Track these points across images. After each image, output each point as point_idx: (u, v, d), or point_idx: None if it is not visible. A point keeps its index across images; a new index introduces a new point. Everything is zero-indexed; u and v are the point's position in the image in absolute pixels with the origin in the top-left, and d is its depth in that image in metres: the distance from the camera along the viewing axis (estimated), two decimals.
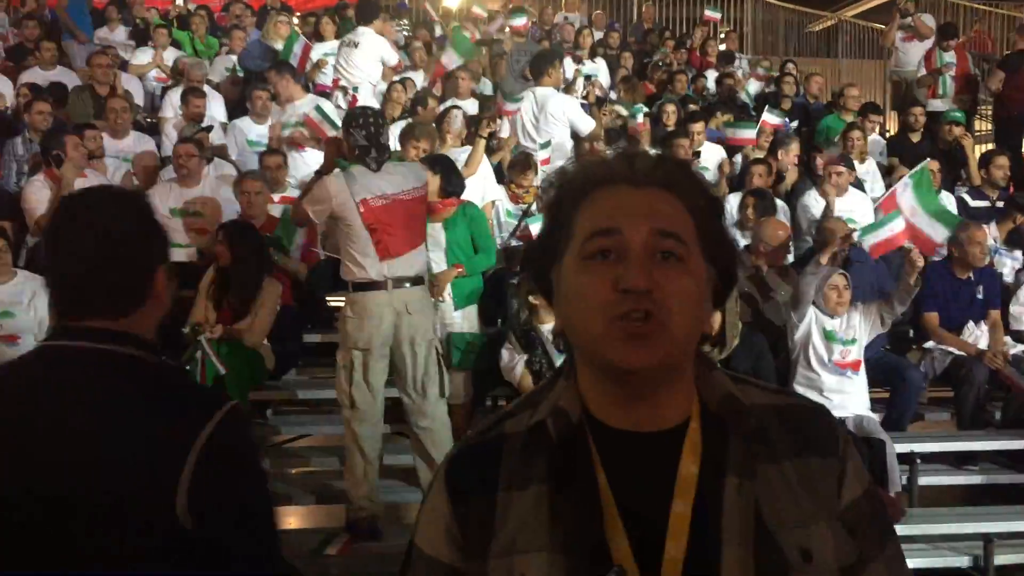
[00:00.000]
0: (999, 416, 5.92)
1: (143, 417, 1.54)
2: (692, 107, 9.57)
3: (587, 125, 7.78)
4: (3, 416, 1.58)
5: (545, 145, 7.28)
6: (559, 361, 5.19)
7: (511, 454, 1.20)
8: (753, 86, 11.27)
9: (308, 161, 7.20)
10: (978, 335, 5.98)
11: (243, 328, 5.20)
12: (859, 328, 5.34)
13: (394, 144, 6.31)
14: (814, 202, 7.09)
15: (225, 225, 5.56)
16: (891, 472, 4.96)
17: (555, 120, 7.56)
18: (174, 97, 8.41)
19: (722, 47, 13.00)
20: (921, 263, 5.34)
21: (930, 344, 6.05)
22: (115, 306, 1.62)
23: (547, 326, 5.14)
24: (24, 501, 1.52)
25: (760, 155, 8.11)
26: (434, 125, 7.17)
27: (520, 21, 11.39)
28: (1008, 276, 6.59)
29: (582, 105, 8.48)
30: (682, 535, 1.12)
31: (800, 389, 5.08)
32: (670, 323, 1.11)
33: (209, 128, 7.73)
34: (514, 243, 6.66)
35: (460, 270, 5.47)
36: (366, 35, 8.97)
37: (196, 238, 6.21)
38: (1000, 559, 4.78)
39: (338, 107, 8.29)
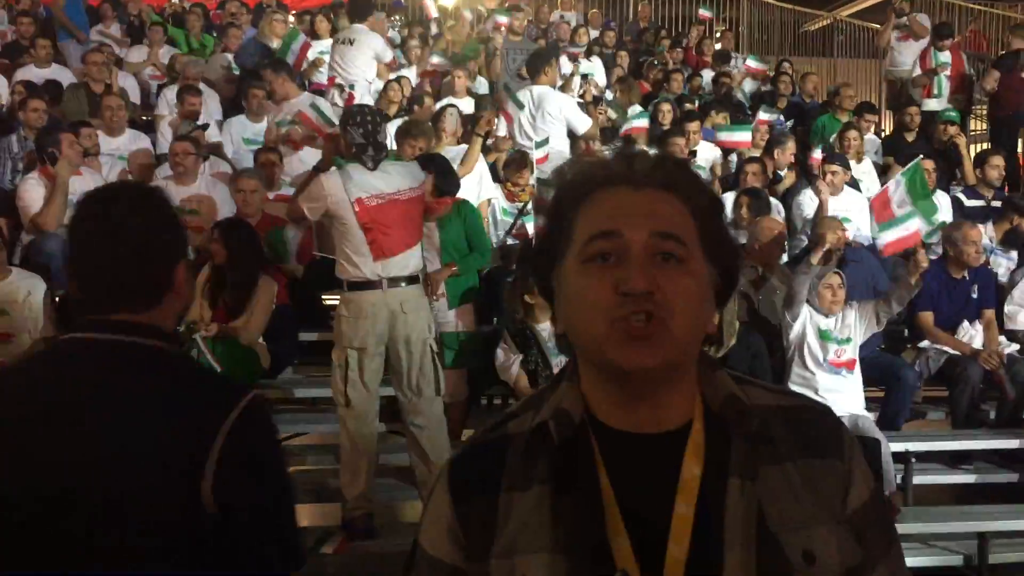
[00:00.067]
0: (993, 415, 5.93)
1: (170, 407, 1.59)
2: (688, 106, 9.58)
3: (584, 124, 7.78)
4: (32, 409, 1.61)
5: (541, 143, 7.28)
6: (555, 360, 5.23)
7: (513, 455, 1.19)
8: (749, 85, 11.28)
9: (304, 160, 7.20)
10: (973, 335, 5.99)
11: (238, 326, 5.19)
12: (854, 327, 5.35)
13: (390, 143, 6.31)
14: (809, 201, 7.10)
15: (220, 223, 5.55)
16: (886, 471, 4.97)
17: (552, 119, 7.57)
18: (169, 95, 8.39)
19: (718, 46, 13.00)
20: (926, 265, 5.35)
21: (925, 343, 6.07)
22: (138, 300, 1.66)
23: (543, 325, 5.14)
24: (55, 494, 1.55)
25: (756, 154, 8.12)
26: (430, 123, 7.17)
27: (503, 19, 11.39)
28: (1003, 276, 6.60)
29: (578, 104, 8.49)
30: (684, 537, 1.12)
31: (795, 388, 5.08)
32: (671, 324, 1.11)
33: (205, 126, 7.72)
34: (510, 242, 6.67)
35: (454, 269, 5.47)
36: (360, 32, 8.97)
37: (192, 236, 6.17)
38: (994, 558, 4.80)
39: (334, 104, 8.28)
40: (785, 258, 6.29)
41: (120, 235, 1.66)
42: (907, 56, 10.92)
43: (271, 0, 12.18)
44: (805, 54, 16.27)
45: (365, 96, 8.70)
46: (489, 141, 7.60)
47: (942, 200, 7.41)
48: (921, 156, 7.00)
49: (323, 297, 6.31)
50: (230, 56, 9.80)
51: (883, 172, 8.35)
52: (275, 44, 9.66)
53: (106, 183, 1.90)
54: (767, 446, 1.17)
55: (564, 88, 8.82)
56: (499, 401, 6.06)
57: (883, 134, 10.22)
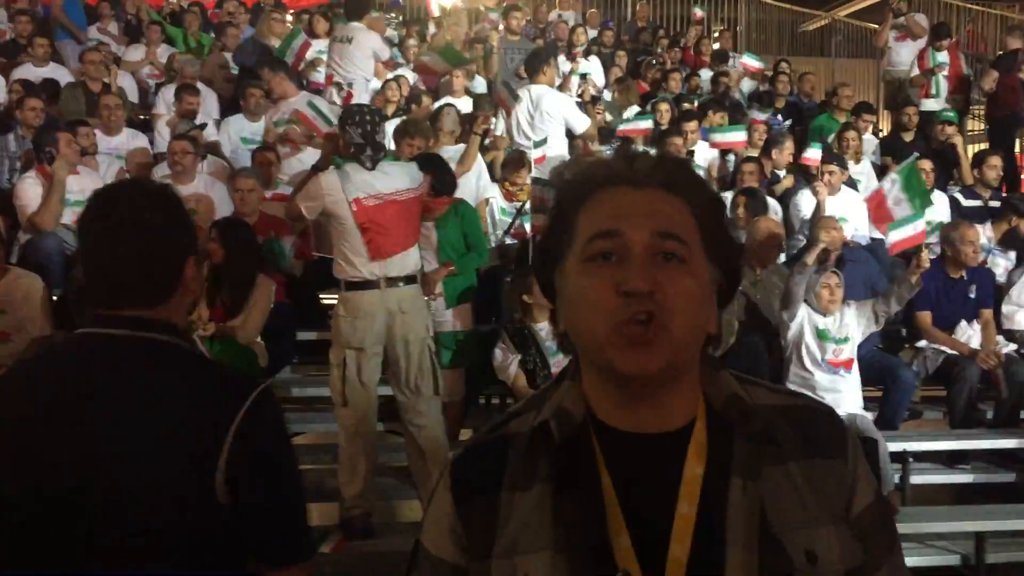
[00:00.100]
0: (991, 415, 5.94)
1: (183, 401, 1.62)
2: (686, 106, 9.59)
3: (582, 123, 7.78)
4: (46, 404, 1.64)
5: (540, 143, 7.28)
6: (553, 360, 5.22)
7: (515, 454, 1.19)
8: (747, 85, 11.28)
9: (302, 159, 7.19)
10: (970, 334, 6.00)
11: (236, 325, 5.18)
12: (852, 326, 5.35)
13: (388, 142, 6.31)
14: (806, 201, 7.11)
15: (218, 222, 5.55)
16: (884, 471, 4.97)
17: (550, 118, 7.57)
18: (167, 94, 8.38)
19: (716, 46, 13.01)
20: (927, 265, 5.37)
21: (922, 343, 6.08)
22: (149, 295, 1.70)
23: (541, 325, 5.14)
24: (70, 488, 1.58)
25: (754, 153, 8.13)
26: (428, 123, 7.17)
27: (495, 16, 11.39)
28: (1002, 277, 6.61)
29: (577, 103, 8.49)
30: (686, 537, 1.12)
31: (793, 388, 5.08)
32: (672, 326, 1.11)
33: (203, 125, 7.71)
34: (508, 241, 6.67)
35: (451, 269, 5.47)
36: (358, 31, 8.94)
37: None
38: (991, 557, 4.80)
39: (332, 103, 8.27)
40: (783, 258, 6.29)
41: (131, 231, 1.68)
42: (905, 56, 10.93)
43: (269, 0, 12.17)
44: (803, 54, 16.28)
45: (363, 94, 8.69)
46: (487, 141, 7.61)
47: (940, 200, 7.42)
48: (916, 155, 7.01)
49: (321, 296, 6.31)
50: (228, 55, 9.79)
51: (881, 172, 8.34)
52: (273, 43, 9.65)
53: (116, 181, 1.93)
54: (770, 446, 1.17)
55: (562, 88, 8.82)
56: (497, 401, 6.06)
57: (880, 134, 10.23)
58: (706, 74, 11.36)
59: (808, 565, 1.12)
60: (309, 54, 9.27)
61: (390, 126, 6.98)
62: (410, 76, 9.74)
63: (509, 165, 6.95)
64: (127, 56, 10.12)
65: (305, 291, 6.17)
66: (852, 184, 7.50)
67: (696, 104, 9.82)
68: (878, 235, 7.20)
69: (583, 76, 10.05)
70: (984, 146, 9.72)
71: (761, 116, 8.83)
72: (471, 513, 1.19)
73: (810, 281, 5.35)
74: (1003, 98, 9.70)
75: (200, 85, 8.47)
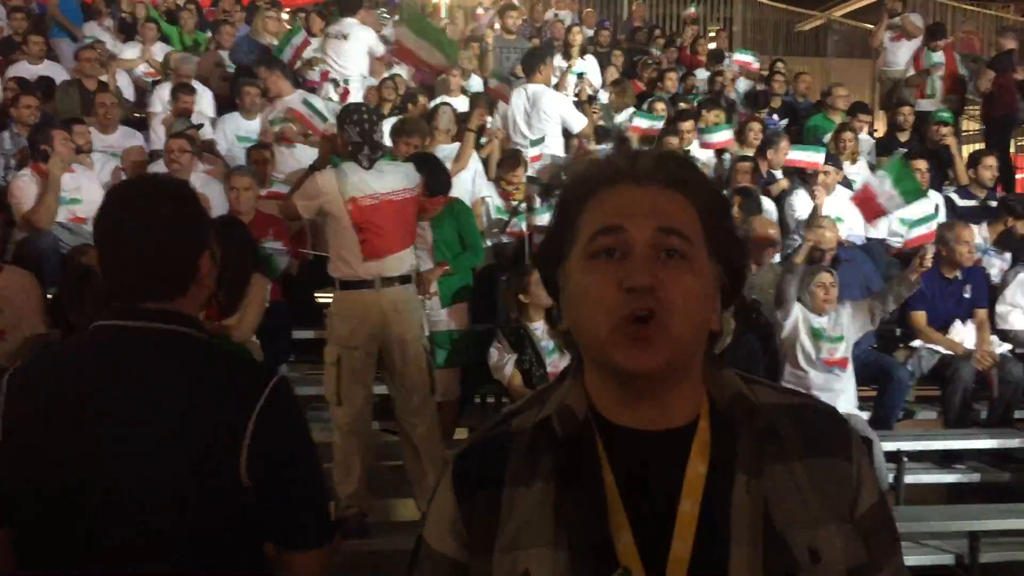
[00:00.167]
0: (985, 415, 5.95)
1: (204, 391, 1.67)
2: (683, 105, 9.59)
3: (579, 122, 7.78)
4: (69, 395, 1.67)
5: (537, 142, 7.28)
6: (549, 360, 5.21)
7: (517, 451, 1.20)
8: (743, 84, 11.28)
9: (297, 156, 7.19)
10: (965, 334, 6.02)
11: (231, 324, 5.17)
12: (847, 325, 5.36)
13: (385, 141, 6.29)
14: (801, 201, 7.12)
15: (213, 221, 5.52)
16: (878, 470, 4.99)
17: (547, 117, 7.56)
18: (163, 92, 8.37)
19: (712, 46, 13.02)
20: (929, 265, 5.38)
21: (917, 343, 6.09)
22: (166, 289, 1.74)
23: (536, 324, 5.14)
24: (95, 478, 1.62)
25: (749, 152, 8.14)
26: (425, 122, 7.16)
27: (481, 12, 11.38)
28: (996, 277, 6.63)
29: (573, 103, 8.49)
30: (689, 534, 1.12)
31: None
32: (673, 323, 1.11)
33: (200, 126, 7.69)
34: (504, 240, 6.67)
35: (446, 268, 5.47)
36: (353, 27, 8.92)
37: None
38: (985, 557, 4.81)
39: (329, 100, 8.27)
40: (778, 258, 6.29)
41: (149, 226, 1.72)
42: (900, 56, 10.93)
43: None
44: (798, 54, 16.30)
45: (360, 91, 8.68)
46: (483, 139, 7.60)
47: (935, 200, 7.44)
48: (903, 151, 7.04)
49: (317, 295, 6.30)
50: (224, 53, 9.78)
51: None
52: (268, 41, 9.63)
53: (133, 176, 1.99)
54: (774, 444, 1.17)
55: (559, 87, 8.82)
56: (492, 400, 6.06)
57: (875, 134, 10.24)
58: (702, 74, 11.36)
59: (812, 563, 1.12)
60: (306, 53, 9.25)
61: (386, 125, 6.98)
62: (405, 74, 9.71)
63: (505, 164, 6.94)
64: (123, 54, 10.10)
65: (300, 290, 6.17)
66: (848, 184, 7.51)
67: (693, 103, 9.82)
68: (873, 235, 7.24)
69: (579, 75, 10.05)
70: (980, 146, 9.73)
71: (745, 111, 8.87)
72: (473, 509, 1.19)
73: (805, 280, 5.36)
74: (999, 98, 9.72)
75: (196, 83, 8.46)
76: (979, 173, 7.82)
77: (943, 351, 5.94)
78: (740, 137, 8.54)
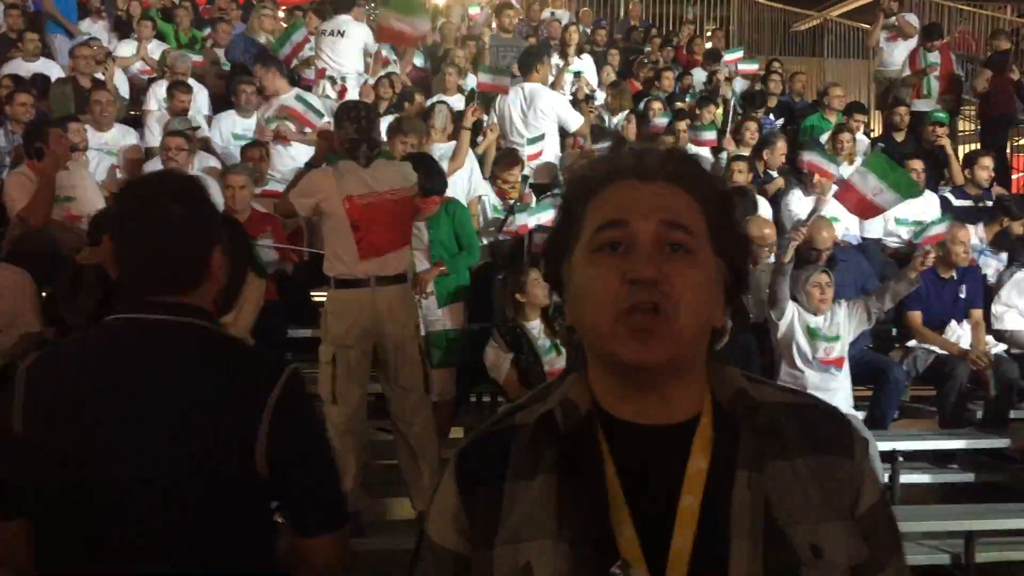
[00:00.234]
0: (980, 415, 5.96)
1: (221, 379, 1.72)
2: (679, 105, 9.59)
3: (576, 121, 7.78)
4: (87, 388, 1.70)
5: (535, 140, 7.28)
6: (546, 359, 5.20)
7: (520, 445, 1.20)
8: (740, 84, 11.27)
9: (293, 155, 7.17)
10: (960, 334, 6.03)
11: (227, 323, 5.12)
12: (843, 325, 5.36)
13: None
14: (797, 200, 7.12)
15: None
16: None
17: (544, 116, 7.56)
18: (159, 90, 8.35)
19: (708, 45, 13.02)
20: (931, 263, 5.39)
21: (913, 343, 6.09)
22: (180, 282, 1.78)
23: (532, 324, 5.14)
24: (115, 470, 1.65)
25: (745, 152, 8.14)
26: (422, 120, 7.15)
27: (474, 11, 11.36)
28: (992, 277, 6.64)
29: (569, 101, 8.48)
30: (690, 528, 1.12)
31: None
32: (677, 317, 1.11)
33: (196, 128, 7.67)
34: (500, 239, 6.66)
35: (442, 269, 5.46)
36: (349, 24, 8.88)
37: None
38: (981, 556, 4.82)
39: (327, 97, 8.25)
40: (773, 258, 6.28)
41: (163, 221, 1.76)
42: (896, 56, 10.93)
43: None
44: (795, 54, 16.31)
45: (357, 88, 8.66)
46: (480, 138, 7.59)
47: (931, 200, 7.44)
48: (880, 146, 7.06)
49: (312, 294, 6.29)
50: (219, 51, 9.75)
51: None
52: (264, 39, 9.61)
53: (147, 173, 2.03)
54: (776, 441, 1.17)
55: (555, 86, 8.81)
56: (488, 399, 6.05)
57: (871, 134, 10.24)
58: (699, 73, 11.36)
59: (814, 559, 1.12)
60: (303, 52, 9.23)
61: (383, 123, 6.97)
62: (398, 69, 9.68)
63: (501, 163, 6.94)
64: (118, 51, 10.07)
65: (296, 288, 6.16)
66: None
67: (690, 102, 9.83)
68: (870, 235, 7.24)
69: (576, 74, 10.05)
70: (976, 146, 9.74)
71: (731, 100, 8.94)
72: (475, 502, 1.20)
73: (801, 280, 5.36)
74: (996, 98, 9.72)
75: (191, 81, 8.44)
76: (975, 173, 7.83)
77: (939, 351, 5.95)
78: (736, 137, 8.55)
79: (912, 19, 11.32)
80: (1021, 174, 11.38)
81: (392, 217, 4.69)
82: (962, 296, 6.13)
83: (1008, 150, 10.31)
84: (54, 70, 8.87)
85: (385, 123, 6.86)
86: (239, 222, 5.60)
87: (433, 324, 5.46)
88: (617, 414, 1.19)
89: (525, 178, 6.61)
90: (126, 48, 10.18)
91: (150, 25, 10.35)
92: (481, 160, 7.36)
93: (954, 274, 6.13)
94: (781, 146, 8.12)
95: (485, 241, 6.53)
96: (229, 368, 1.75)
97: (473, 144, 7.25)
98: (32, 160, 6.15)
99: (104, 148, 7.32)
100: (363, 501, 4.79)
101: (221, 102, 8.54)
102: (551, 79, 8.55)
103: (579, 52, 10.82)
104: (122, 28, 10.95)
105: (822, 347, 5.32)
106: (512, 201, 6.66)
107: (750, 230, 5.89)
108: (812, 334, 5.33)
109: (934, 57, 10.31)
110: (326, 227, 4.70)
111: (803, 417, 1.21)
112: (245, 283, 5.85)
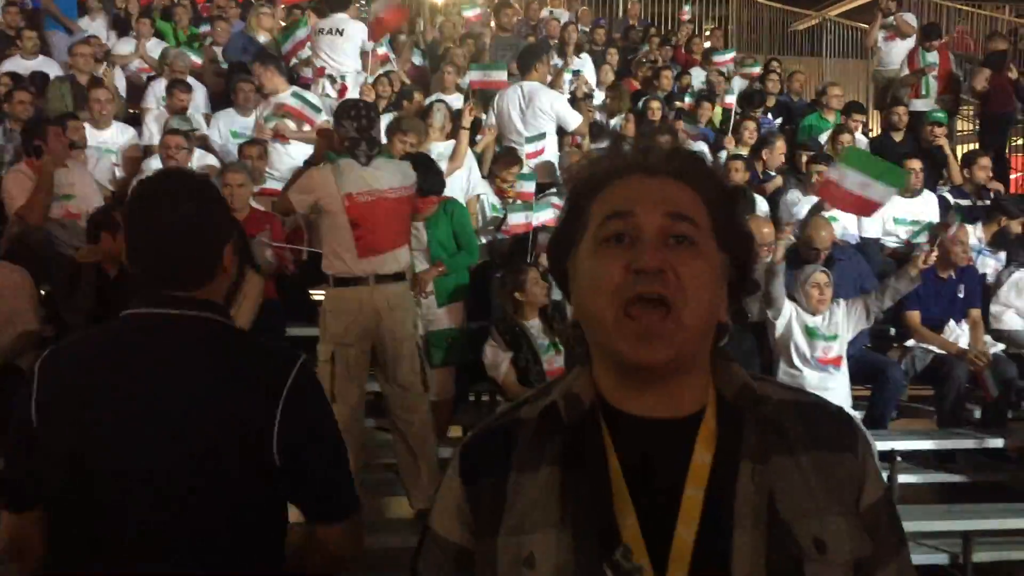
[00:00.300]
0: (979, 415, 5.97)
1: (237, 373, 1.76)
2: (677, 104, 9.59)
3: (574, 120, 7.77)
4: (104, 381, 1.72)
5: (534, 138, 7.27)
6: (545, 357, 5.18)
7: (524, 437, 1.21)
8: (738, 83, 11.27)
9: (292, 153, 7.16)
10: (959, 334, 6.03)
11: None
12: (841, 324, 5.37)
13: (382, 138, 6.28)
14: (796, 200, 7.12)
15: None
16: None
17: (543, 114, 7.55)
18: (157, 88, 8.33)
19: (707, 44, 13.02)
20: (932, 261, 5.40)
21: (911, 342, 6.10)
22: (194, 278, 1.81)
23: (531, 322, 5.13)
24: (130, 464, 1.67)
25: (743, 151, 8.13)
26: (421, 119, 7.14)
27: (473, 12, 11.33)
28: (991, 277, 6.64)
29: (568, 100, 8.47)
30: (693, 521, 1.13)
31: None
32: (683, 310, 1.12)
33: (195, 130, 7.65)
34: (499, 237, 6.66)
35: (441, 269, 5.46)
36: (347, 22, 8.86)
37: None
38: (979, 556, 4.82)
39: (326, 96, 8.23)
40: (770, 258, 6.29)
41: (177, 217, 1.79)
42: (895, 56, 10.93)
43: None
44: (794, 53, 16.31)
45: (356, 87, 8.65)
46: (478, 137, 7.59)
47: (929, 200, 7.45)
48: (852, 147, 7.09)
49: (311, 292, 6.29)
50: (218, 49, 9.74)
51: None
52: (263, 38, 9.59)
53: (159, 171, 2.03)
54: (780, 436, 1.18)
55: (554, 85, 8.80)
56: (487, 398, 6.05)
57: (870, 134, 10.24)
58: (697, 73, 11.35)
59: (817, 553, 1.13)
60: (303, 51, 9.22)
61: (382, 122, 6.96)
62: (395, 65, 9.67)
63: (500, 161, 6.93)
64: (116, 49, 10.06)
65: (295, 287, 6.15)
66: None
67: (688, 102, 9.83)
68: (868, 235, 7.25)
69: (575, 73, 10.04)
70: (974, 146, 9.74)
71: (730, 100, 8.94)
72: (479, 494, 1.21)
73: (800, 279, 5.36)
74: (995, 97, 9.72)
75: (190, 79, 8.42)
76: (974, 173, 7.84)
77: (937, 351, 5.95)
78: (735, 136, 8.55)
79: (910, 19, 11.33)
80: (1019, 174, 11.39)
81: (392, 216, 4.69)
82: (960, 296, 6.14)
83: (1007, 150, 10.31)
84: (53, 68, 8.85)
85: (384, 121, 6.86)
86: (239, 220, 5.64)
87: (433, 324, 5.45)
88: (621, 407, 1.19)
89: (521, 176, 6.59)
90: (125, 46, 10.16)
91: (149, 23, 10.32)
92: (479, 159, 7.36)
93: (952, 274, 6.13)
94: (780, 146, 8.12)
95: (484, 240, 6.53)
96: (243, 361, 1.79)
97: (471, 143, 7.25)
98: (31, 158, 6.14)
99: (103, 146, 7.31)
100: (361, 500, 4.77)
101: (220, 100, 8.53)
102: (550, 78, 8.54)
103: (578, 51, 10.83)
104: (121, 26, 10.93)
105: (820, 346, 5.32)
106: (511, 199, 6.66)
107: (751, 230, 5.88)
108: (810, 333, 5.33)
109: (932, 57, 10.32)
110: (325, 225, 4.70)
111: (807, 415, 1.22)
112: (244, 280, 5.88)
